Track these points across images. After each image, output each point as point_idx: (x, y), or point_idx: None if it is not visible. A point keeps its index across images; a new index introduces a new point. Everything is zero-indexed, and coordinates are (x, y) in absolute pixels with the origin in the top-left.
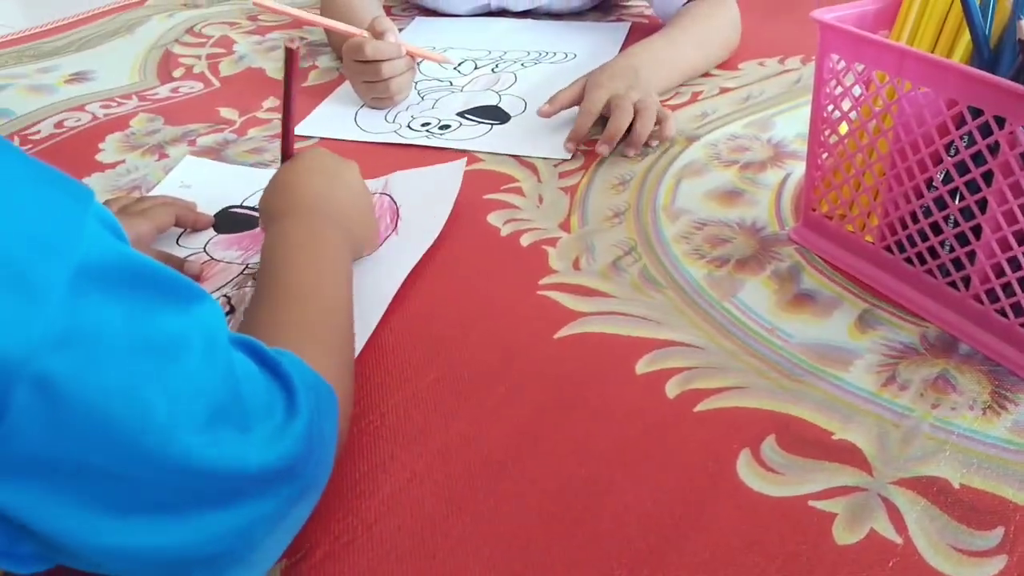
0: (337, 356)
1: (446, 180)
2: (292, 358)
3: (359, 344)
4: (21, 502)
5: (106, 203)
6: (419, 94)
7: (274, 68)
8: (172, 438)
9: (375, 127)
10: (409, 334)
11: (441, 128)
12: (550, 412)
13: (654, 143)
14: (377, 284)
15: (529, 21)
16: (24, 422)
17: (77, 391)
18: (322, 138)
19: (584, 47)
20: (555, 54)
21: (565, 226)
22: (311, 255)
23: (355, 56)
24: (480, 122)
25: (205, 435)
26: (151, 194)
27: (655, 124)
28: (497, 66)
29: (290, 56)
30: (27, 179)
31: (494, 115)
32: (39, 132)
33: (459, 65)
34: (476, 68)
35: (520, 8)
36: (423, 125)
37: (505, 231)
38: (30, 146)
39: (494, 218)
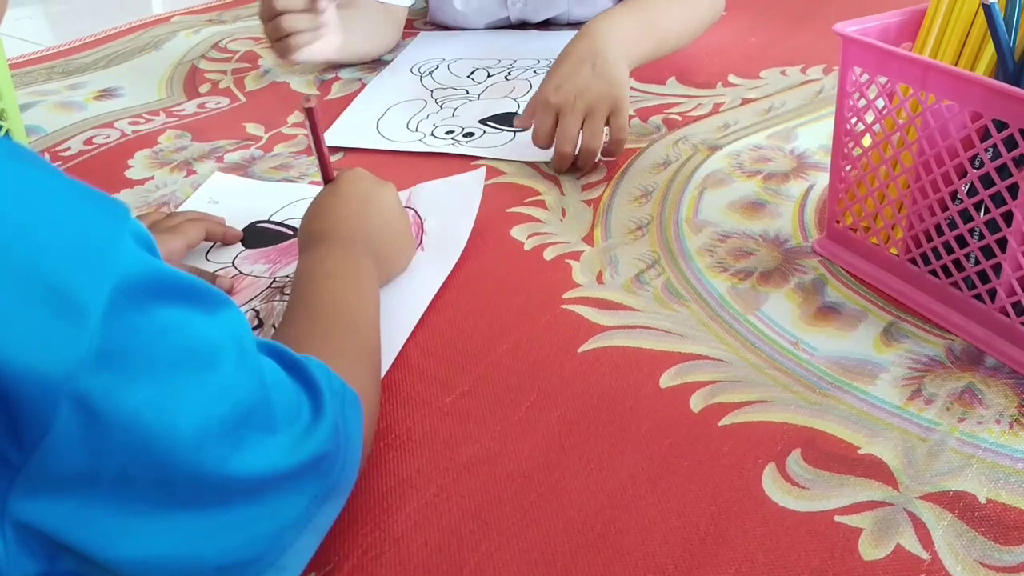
0: (364, 369)
1: (467, 191)
2: (318, 363)
3: (386, 362)
4: (59, 518)
5: (136, 219)
6: (437, 103)
7: (299, 82)
8: (206, 446)
9: (398, 136)
10: (434, 349)
11: (465, 136)
12: (575, 426)
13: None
14: (405, 302)
15: (533, 33)
16: (64, 439)
17: (115, 407)
18: (346, 148)
19: None
20: None
21: (588, 239)
22: (341, 281)
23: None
24: (503, 129)
25: (237, 442)
26: (180, 210)
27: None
28: (510, 74)
29: (310, 115)
30: (65, 195)
31: (511, 121)
32: (69, 149)
33: (472, 73)
34: (489, 76)
35: (540, 19)
36: (447, 133)
37: (528, 245)
38: (60, 163)
39: (518, 232)
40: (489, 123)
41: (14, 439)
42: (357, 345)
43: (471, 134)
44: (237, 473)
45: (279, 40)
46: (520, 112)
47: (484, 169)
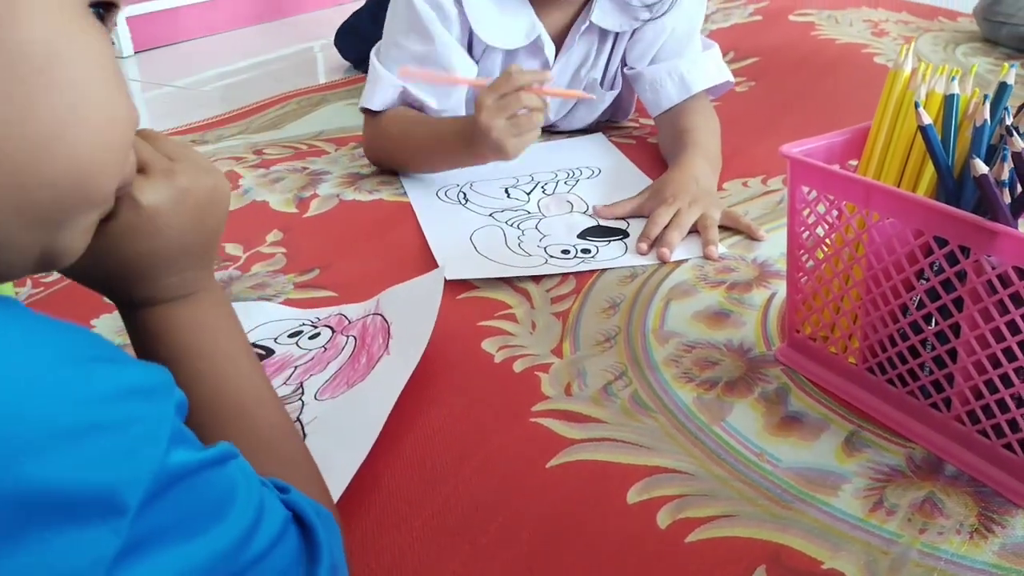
0: (304, 469)
1: (428, 291)
2: (298, 493)
3: (357, 461)
4: None
5: None
6: (508, 224)
7: (278, 200)
8: None
9: (516, 261)
10: (403, 468)
11: (583, 252)
12: (543, 547)
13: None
14: (373, 405)
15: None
16: None
17: None
18: (463, 280)
19: (600, 160)
20: (582, 170)
21: (557, 351)
22: (223, 356)
23: (501, 86)
24: (608, 240)
25: None
26: None
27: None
28: (547, 187)
29: None
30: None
31: (610, 232)
32: (52, 274)
33: (508, 189)
34: (528, 194)
35: (571, 128)
36: (564, 252)
37: (499, 358)
38: (42, 289)
39: (488, 344)
40: (589, 237)
41: None
42: (284, 442)
43: (588, 251)
44: None
45: (513, 117)
46: (607, 224)
47: (443, 268)
